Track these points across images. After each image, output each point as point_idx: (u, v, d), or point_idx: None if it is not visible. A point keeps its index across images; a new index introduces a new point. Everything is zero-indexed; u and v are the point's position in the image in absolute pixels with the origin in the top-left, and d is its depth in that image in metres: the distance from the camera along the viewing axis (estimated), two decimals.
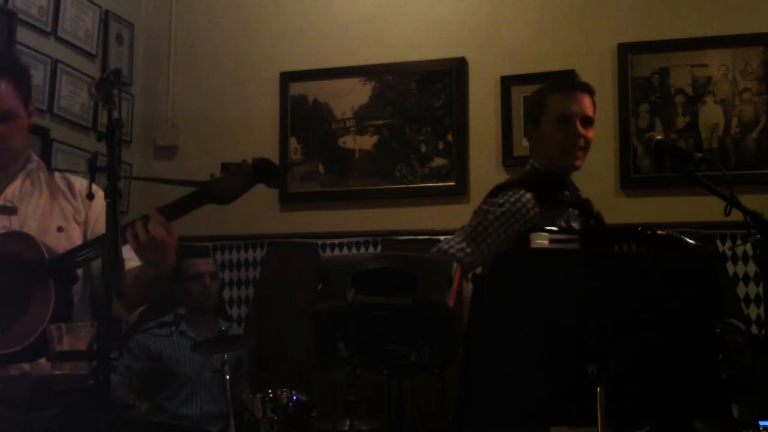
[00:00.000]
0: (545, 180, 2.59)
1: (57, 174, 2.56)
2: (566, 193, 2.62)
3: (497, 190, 2.60)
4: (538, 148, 2.66)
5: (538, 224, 2.45)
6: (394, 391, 1.93)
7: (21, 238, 2.31)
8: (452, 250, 2.45)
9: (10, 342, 2.16)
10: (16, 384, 2.20)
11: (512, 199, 2.50)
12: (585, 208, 2.62)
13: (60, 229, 2.41)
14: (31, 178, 2.46)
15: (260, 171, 2.33)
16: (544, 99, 2.62)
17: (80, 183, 2.54)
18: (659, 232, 2.41)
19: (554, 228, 2.40)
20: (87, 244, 2.32)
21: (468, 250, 2.44)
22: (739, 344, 2.25)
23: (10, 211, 2.39)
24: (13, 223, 2.37)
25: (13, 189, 2.42)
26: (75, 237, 2.43)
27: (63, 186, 2.51)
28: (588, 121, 2.60)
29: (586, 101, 2.62)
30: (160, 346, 3.72)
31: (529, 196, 2.51)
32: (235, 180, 2.33)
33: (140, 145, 4.51)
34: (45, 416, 2.16)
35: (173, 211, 2.33)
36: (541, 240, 2.29)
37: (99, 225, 2.43)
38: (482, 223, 2.49)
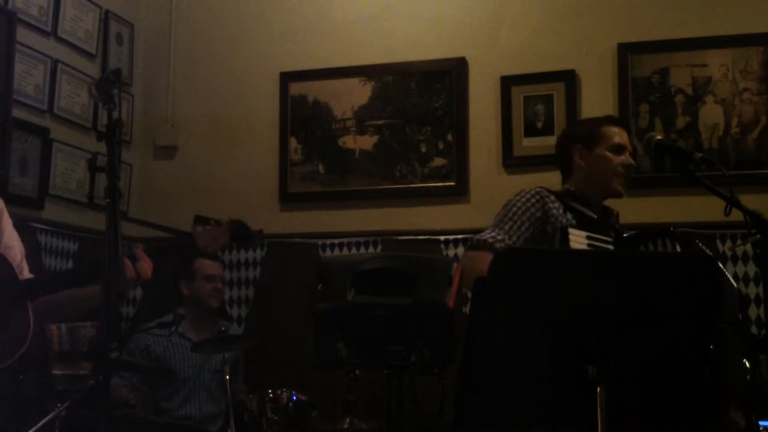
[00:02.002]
0: (575, 197, 2.77)
1: None
2: (594, 214, 2.77)
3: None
4: (586, 170, 2.83)
5: (562, 221, 2.66)
6: (394, 391, 1.93)
7: None
8: (485, 237, 2.63)
9: None
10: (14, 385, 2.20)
11: (532, 191, 2.73)
12: (608, 225, 2.73)
13: None
14: None
15: (236, 233, 2.43)
16: (597, 129, 2.87)
17: None
18: (689, 234, 2.53)
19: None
20: (66, 274, 2.34)
21: (499, 237, 2.62)
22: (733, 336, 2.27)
23: None
24: None
25: None
26: None
27: None
28: (631, 154, 2.88)
29: (625, 135, 2.90)
30: (160, 346, 3.72)
31: (550, 194, 2.73)
32: (213, 236, 2.41)
33: (140, 145, 4.51)
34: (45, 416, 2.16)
35: (156, 251, 2.38)
36: (579, 236, 2.51)
37: (9, 241, 2.43)
38: (506, 213, 2.71)
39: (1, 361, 2.14)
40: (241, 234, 2.47)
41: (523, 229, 2.65)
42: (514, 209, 2.69)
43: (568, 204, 2.73)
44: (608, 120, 2.92)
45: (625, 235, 2.72)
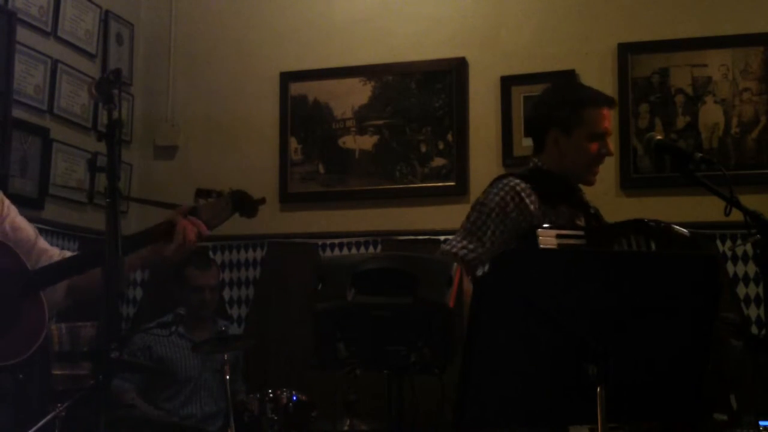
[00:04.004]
0: (548, 178, 2.61)
1: None
2: (566, 192, 2.64)
3: (493, 182, 2.62)
4: (559, 155, 2.64)
5: (539, 216, 2.48)
6: (394, 391, 1.93)
7: None
8: (454, 250, 2.47)
9: (7, 354, 2.15)
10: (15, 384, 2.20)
11: (507, 188, 2.53)
12: (585, 207, 2.64)
13: None
14: None
15: (238, 202, 2.41)
16: (579, 111, 2.62)
17: None
18: (662, 224, 2.45)
19: (559, 224, 2.43)
20: (72, 259, 2.33)
21: (470, 246, 2.47)
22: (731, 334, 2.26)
23: None
24: None
25: None
26: None
27: None
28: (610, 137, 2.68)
29: (611, 115, 2.68)
30: (162, 347, 3.72)
31: (524, 185, 2.53)
32: (216, 210, 2.39)
33: (140, 145, 4.51)
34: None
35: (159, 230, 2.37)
36: (548, 236, 2.31)
37: (15, 224, 2.43)
38: (480, 217, 2.52)
39: (15, 354, 2.13)
40: (243, 204, 2.45)
41: (497, 234, 2.48)
42: (487, 211, 2.50)
43: (543, 191, 2.54)
44: (593, 101, 2.65)
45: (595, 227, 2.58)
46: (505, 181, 2.56)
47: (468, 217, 2.55)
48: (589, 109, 2.62)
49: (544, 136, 2.66)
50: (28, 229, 2.46)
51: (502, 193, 2.51)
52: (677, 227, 2.50)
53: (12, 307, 2.19)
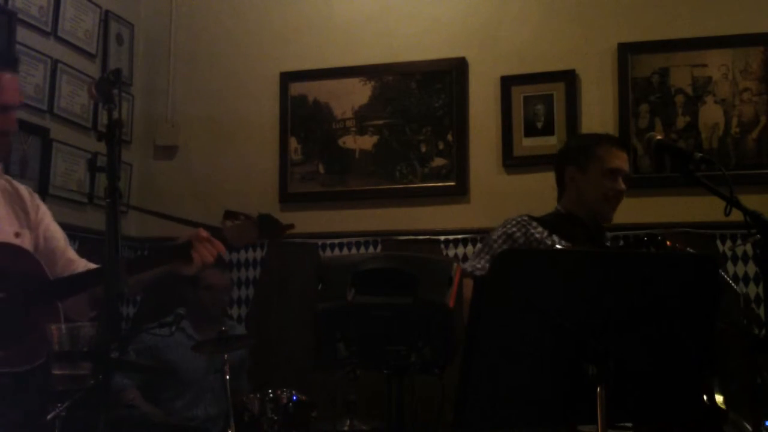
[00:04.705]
0: (566, 221, 2.76)
1: (4, 177, 2.56)
2: (584, 232, 2.76)
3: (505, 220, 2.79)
4: (577, 192, 2.80)
5: (547, 242, 2.63)
6: (394, 391, 1.93)
7: (16, 251, 2.31)
8: (466, 267, 2.62)
9: (20, 361, 2.16)
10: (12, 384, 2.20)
11: (514, 221, 2.71)
12: (594, 241, 2.72)
13: (17, 234, 2.42)
14: None
15: (265, 226, 2.41)
16: (594, 148, 2.79)
17: (23, 189, 2.54)
18: (668, 242, 2.48)
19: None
20: (91, 272, 2.35)
21: (478, 265, 2.62)
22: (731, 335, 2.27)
23: None
24: None
25: None
26: (27, 243, 2.44)
27: (10, 190, 2.51)
28: (627, 180, 2.82)
29: (627, 159, 2.83)
30: (167, 348, 3.72)
31: (535, 223, 2.71)
32: (242, 233, 2.40)
33: (140, 145, 4.51)
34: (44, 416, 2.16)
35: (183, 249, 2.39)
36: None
37: (49, 232, 2.45)
38: (487, 243, 2.70)
39: (27, 361, 2.14)
40: (270, 229, 2.44)
41: (505, 248, 2.62)
42: (495, 237, 2.69)
43: (555, 226, 2.70)
44: (606, 139, 2.86)
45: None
46: (515, 217, 2.73)
47: (479, 247, 2.73)
48: (601, 147, 2.79)
49: (563, 174, 2.83)
50: (59, 237, 2.48)
51: (510, 224, 2.69)
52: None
53: (28, 314, 2.20)
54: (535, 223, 2.69)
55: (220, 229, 2.41)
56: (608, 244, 2.84)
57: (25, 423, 2.17)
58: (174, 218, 2.59)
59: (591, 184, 2.77)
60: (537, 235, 2.64)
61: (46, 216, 2.48)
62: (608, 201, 2.77)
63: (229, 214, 2.42)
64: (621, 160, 2.78)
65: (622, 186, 2.79)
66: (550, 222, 2.74)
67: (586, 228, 2.78)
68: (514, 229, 2.67)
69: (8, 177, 2.58)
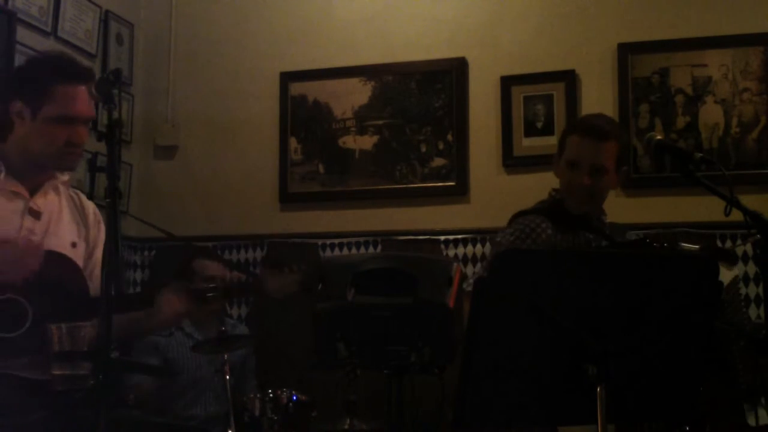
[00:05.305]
0: (563, 209, 2.65)
1: (72, 190, 2.61)
2: (584, 221, 2.67)
3: (514, 218, 2.69)
4: (560, 181, 2.72)
5: (556, 242, 2.56)
6: (394, 391, 1.93)
7: (68, 264, 2.34)
8: (473, 278, 2.62)
9: (45, 367, 2.17)
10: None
11: (522, 225, 2.60)
12: (602, 233, 2.67)
13: (74, 244, 2.45)
14: (56, 190, 2.51)
15: (308, 282, 2.36)
16: (565, 137, 2.67)
17: (90, 206, 2.59)
18: (666, 244, 2.47)
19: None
20: (131, 296, 2.39)
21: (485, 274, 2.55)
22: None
23: (36, 215, 2.43)
24: (37, 227, 2.41)
25: (41, 196, 2.46)
26: (80, 254, 2.47)
27: (77, 203, 2.55)
28: (599, 170, 2.60)
29: (603, 148, 2.60)
30: (169, 347, 3.71)
31: (539, 221, 2.60)
32: (285, 284, 2.36)
33: (140, 145, 4.51)
34: (44, 416, 2.16)
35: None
36: None
37: (98, 249, 2.48)
38: (497, 250, 2.62)
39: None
40: (313, 283, 2.33)
41: None
42: (504, 243, 2.59)
43: (560, 222, 2.60)
44: (578, 128, 2.68)
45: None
46: (520, 220, 2.63)
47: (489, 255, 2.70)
48: (570, 135, 2.66)
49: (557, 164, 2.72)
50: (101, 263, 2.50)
51: (516, 233, 2.58)
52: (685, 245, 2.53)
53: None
54: (543, 225, 2.59)
55: (260, 280, 2.37)
56: (603, 228, 2.74)
57: (44, 428, 2.17)
58: (175, 237, 2.62)
59: (559, 174, 2.68)
60: (543, 236, 2.58)
61: (101, 240, 2.51)
62: (571, 193, 2.62)
63: (272, 263, 2.36)
64: (584, 151, 2.58)
65: (584, 179, 2.58)
66: (550, 214, 2.65)
67: (570, 216, 2.65)
68: (523, 237, 2.56)
69: (77, 191, 2.62)
